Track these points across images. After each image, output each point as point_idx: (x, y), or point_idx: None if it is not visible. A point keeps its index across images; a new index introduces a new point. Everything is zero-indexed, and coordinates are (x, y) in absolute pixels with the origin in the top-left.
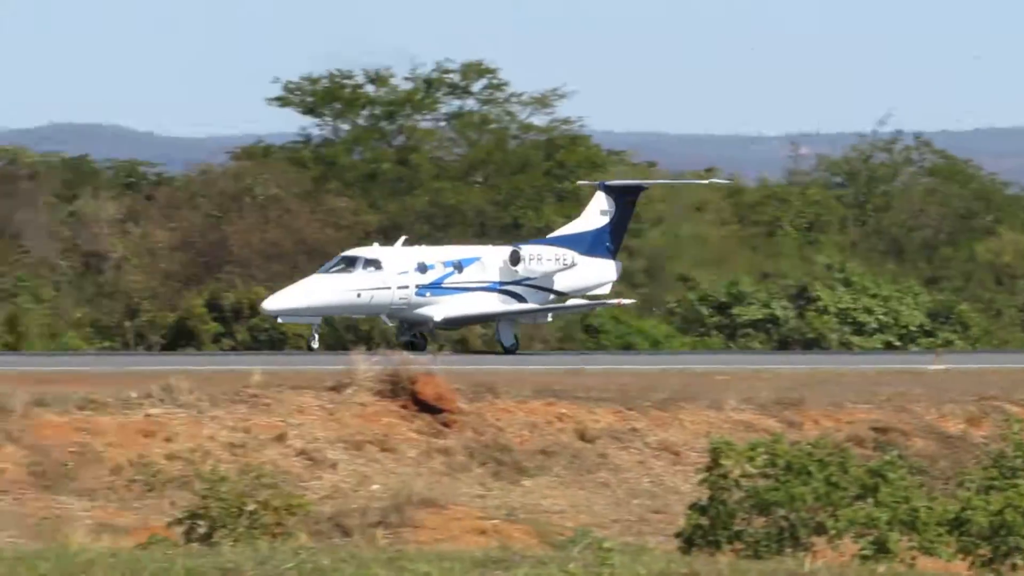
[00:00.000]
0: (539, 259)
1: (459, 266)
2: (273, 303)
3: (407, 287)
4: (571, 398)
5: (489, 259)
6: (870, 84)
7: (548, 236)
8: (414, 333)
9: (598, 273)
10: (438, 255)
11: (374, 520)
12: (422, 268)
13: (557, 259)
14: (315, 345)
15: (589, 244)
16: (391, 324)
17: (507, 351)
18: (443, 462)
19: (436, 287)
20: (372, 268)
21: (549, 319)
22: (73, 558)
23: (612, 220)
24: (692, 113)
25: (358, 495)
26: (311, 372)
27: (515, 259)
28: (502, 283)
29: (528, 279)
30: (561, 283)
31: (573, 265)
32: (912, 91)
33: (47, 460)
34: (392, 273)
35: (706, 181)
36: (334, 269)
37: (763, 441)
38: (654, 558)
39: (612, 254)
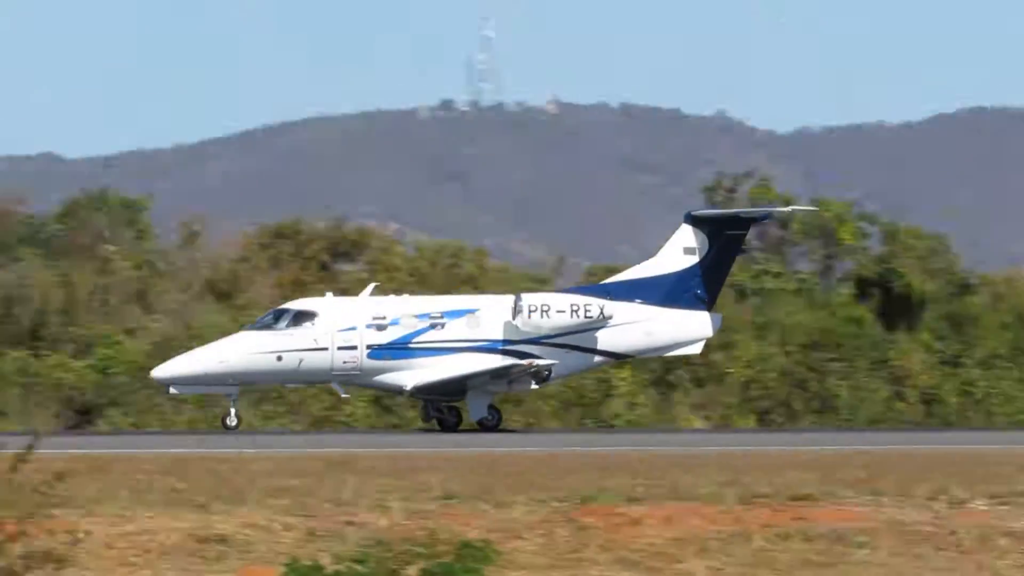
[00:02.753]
0: (545, 311)
1: (439, 320)
2: (165, 370)
3: (353, 347)
4: None
5: (489, 312)
6: None
7: (606, 281)
8: (439, 408)
9: (680, 327)
10: (407, 307)
11: None
12: (379, 324)
13: (573, 310)
14: (231, 422)
15: (667, 291)
16: (345, 395)
17: (481, 427)
18: None
19: (401, 348)
20: (302, 324)
21: (534, 386)
22: None
23: (704, 260)
24: None
25: None
26: None
27: (516, 311)
28: (507, 341)
29: (543, 336)
30: (612, 341)
31: (603, 318)
32: None
33: None
34: (330, 330)
35: (789, 208)
36: (258, 326)
37: None
38: None
39: (705, 304)
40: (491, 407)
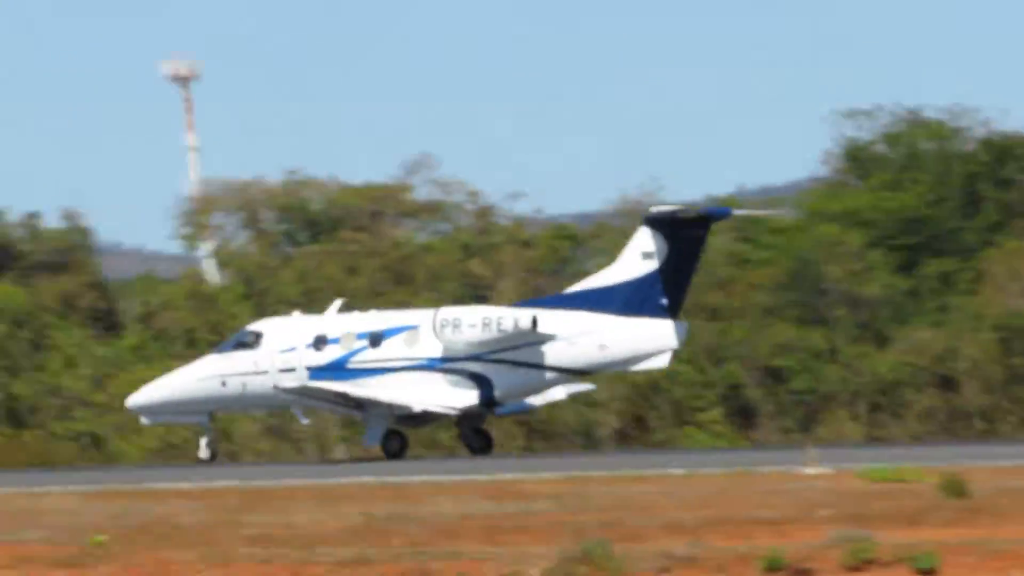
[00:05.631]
0: (456, 326)
1: (376, 338)
2: (134, 398)
3: (292, 369)
4: None
5: (427, 328)
6: None
7: (565, 292)
8: (464, 430)
9: (640, 338)
10: (348, 326)
11: None
12: (319, 343)
13: (484, 324)
14: (203, 455)
15: (625, 299)
16: (305, 420)
17: (387, 454)
18: None
19: (338, 368)
20: (249, 347)
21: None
22: None
23: (663, 265)
24: None
25: None
26: None
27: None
28: (445, 359)
29: (475, 353)
30: (560, 356)
31: (519, 330)
32: None
33: None
34: (271, 352)
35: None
36: (216, 349)
37: None
38: None
39: (668, 311)
40: (391, 433)
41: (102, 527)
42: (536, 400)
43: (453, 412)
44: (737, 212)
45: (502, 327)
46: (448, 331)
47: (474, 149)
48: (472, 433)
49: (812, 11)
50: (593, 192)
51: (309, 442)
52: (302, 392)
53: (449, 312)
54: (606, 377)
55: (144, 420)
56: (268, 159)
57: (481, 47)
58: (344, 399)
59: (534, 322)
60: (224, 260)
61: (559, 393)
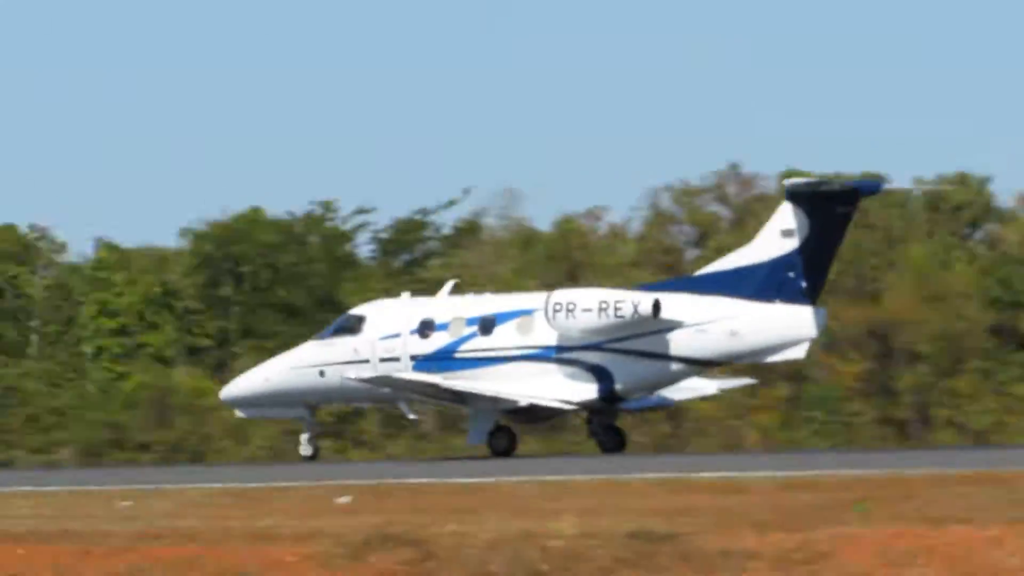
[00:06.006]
0: (571, 310)
1: (487, 324)
2: (228, 390)
3: (396, 359)
4: None
5: (542, 313)
6: None
7: (696, 274)
8: (593, 427)
9: (775, 326)
10: (459, 309)
11: None
12: (425, 329)
13: (602, 308)
14: (305, 452)
15: (761, 282)
16: (414, 416)
17: (494, 453)
18: None
19: (445, 357)
20: (350, 332)
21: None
22: None
23: (804, 244)
24: None
25: None
26: None
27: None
28: (561, 348)
29: (595, 341)
30: (686, 345)
31: (638, 316)
32: None
33: None
34: (373, 339)
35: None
36: (317, 336)
37: None
38: None
39: (807, 296)
40: (499, 430)
41: None
42: (675, 394)
43: (568, 407)
44: (888, 186)
45: (620, 312)
46: (561, 316)
47: None
48: (603, 430)
49: None
50: None
51: None
52: (381, 383)
53: (563, 295)
54: None
55: (239, 414)
56: None
57: None
58: (435, 391)
59: (656, 307)
60: None
61: (709, 387)
